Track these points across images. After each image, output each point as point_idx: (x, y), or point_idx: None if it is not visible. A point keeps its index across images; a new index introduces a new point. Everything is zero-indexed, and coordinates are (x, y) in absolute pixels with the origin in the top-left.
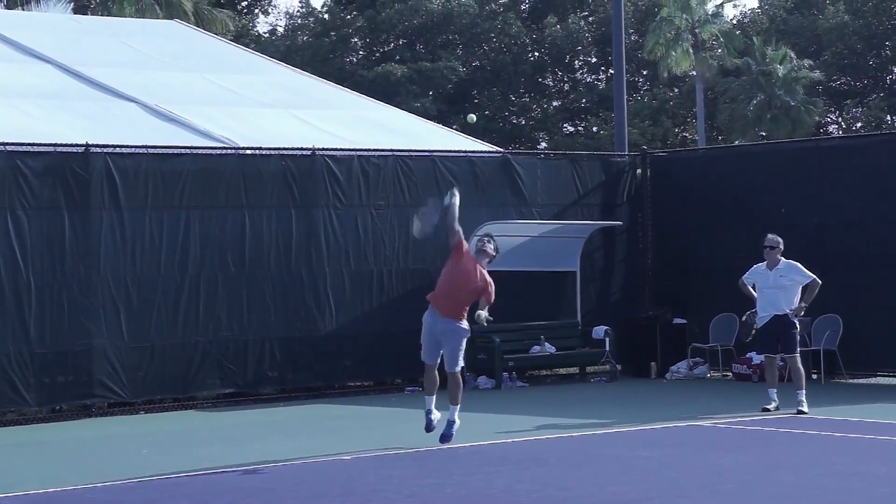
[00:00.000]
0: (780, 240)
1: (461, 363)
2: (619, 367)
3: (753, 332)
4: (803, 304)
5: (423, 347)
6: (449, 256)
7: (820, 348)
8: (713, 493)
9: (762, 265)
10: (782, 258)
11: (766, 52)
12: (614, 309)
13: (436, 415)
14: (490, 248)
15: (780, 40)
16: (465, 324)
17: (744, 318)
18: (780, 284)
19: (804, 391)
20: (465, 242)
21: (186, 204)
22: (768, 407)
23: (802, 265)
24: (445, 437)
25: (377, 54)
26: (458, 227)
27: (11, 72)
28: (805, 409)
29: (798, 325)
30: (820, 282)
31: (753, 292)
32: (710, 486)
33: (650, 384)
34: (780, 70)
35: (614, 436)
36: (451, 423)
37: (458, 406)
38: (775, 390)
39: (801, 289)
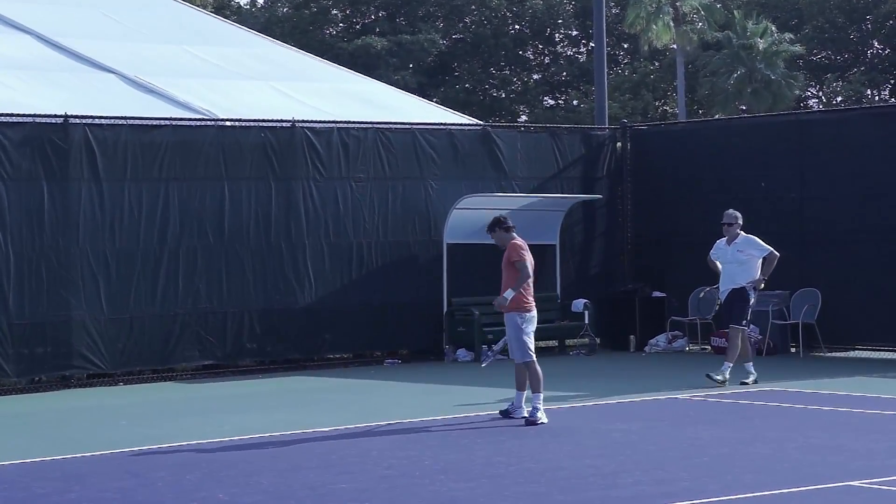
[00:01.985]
0: (738, 214)
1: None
2: (597, 340)
3: (717, 307)
4: (762, 277)
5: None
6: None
7: (798, 322)
8: (690, 466)
9: (723, 240)
10: (742, 232)
11: (746, 25)
12: (594, 282)
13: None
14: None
15: (760, 14)
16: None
17: (701, 295)
18: (737, 259)
19: (731, 365)
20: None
21: (166, 176)
22: (746, 381)
23: (768, 240)
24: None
25: (357, 27)
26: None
27: None
28: (720, 378)
29: (751, 300)
30: (777, 254)
31: (719, 267)
32: (688, 459)
33: (629, 357)
34: (761, 44)
35: (592, 409)
36: (534, 410)
37: (539, 394)
38: (751, 363)
39: (759, 262)
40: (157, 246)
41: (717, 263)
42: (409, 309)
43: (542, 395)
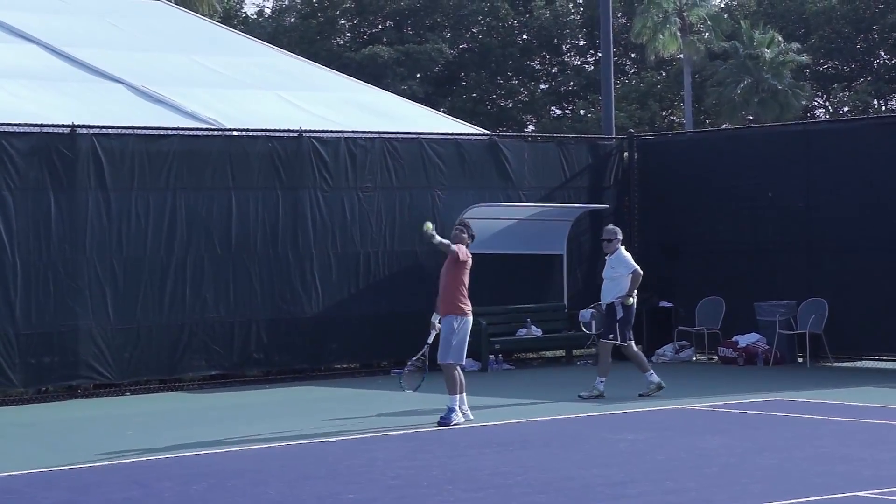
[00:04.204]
0: (618, 230)
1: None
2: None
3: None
4: (627, 294)
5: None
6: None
7: (806, 332)
8: (698, 476)
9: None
10: (620, 248)
11: (753, 35)
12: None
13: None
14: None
15: (767, 24)
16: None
17: (591, 308)
18: (610, 275)
19: (603, 380)
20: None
21: (173, 185)
22: (583, 394)
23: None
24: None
25: (364, 36)
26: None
27: None
28: (586, 395)
29: (619, 315)
30: (641, 273)
31: None
32: (696, 469)
33: (636, 367)
34: (768, 54)
35: (600, 418)
36: (449, 411)
37: (454, 396)
38: (603, 380)
39: (629, 278)
40: (164, 255)
41: None
42: (416, 319)
43: (458, 398)
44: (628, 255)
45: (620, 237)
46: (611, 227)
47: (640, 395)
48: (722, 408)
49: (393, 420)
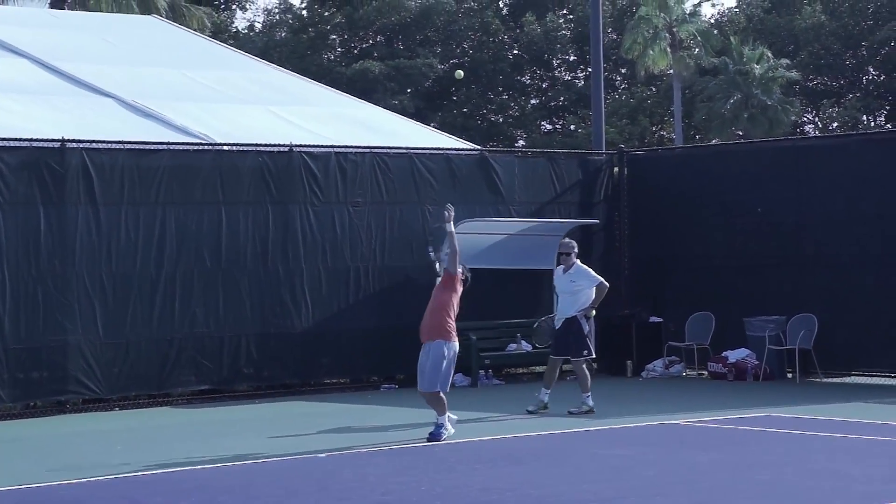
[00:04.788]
0: (574, 244)
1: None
2: (594, 365)
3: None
4: (591, 306)
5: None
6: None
7: (795, 347)
8: (688, 492)
9: (561, 268)
10: (577, 262)
11: (743, 51)
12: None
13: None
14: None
15: (757, 40)
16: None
17: (535, 325)
18: (571, 289)
19: (589, 394)
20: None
21: (163, 200)
22: (531, 409)
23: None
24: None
25: (355, 51)
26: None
27: None
28: (576, 410)
29: (587, 329)
30: (607, 285)
31: None
32: (686, 485)
33: (626, 382)
34: (758, 69)
35: (590, 434)
36: (439, 426)
37: (441, 415)
38: (548, 391)
39: (591, 292)
40: (153, 270)
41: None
42: (406, 334)
43: (447, 416)
44: (588, 268)
45: (577, 250)
46: (568, 240)
47: (569, 413)
48: (712, 423)
49: (383, 435)
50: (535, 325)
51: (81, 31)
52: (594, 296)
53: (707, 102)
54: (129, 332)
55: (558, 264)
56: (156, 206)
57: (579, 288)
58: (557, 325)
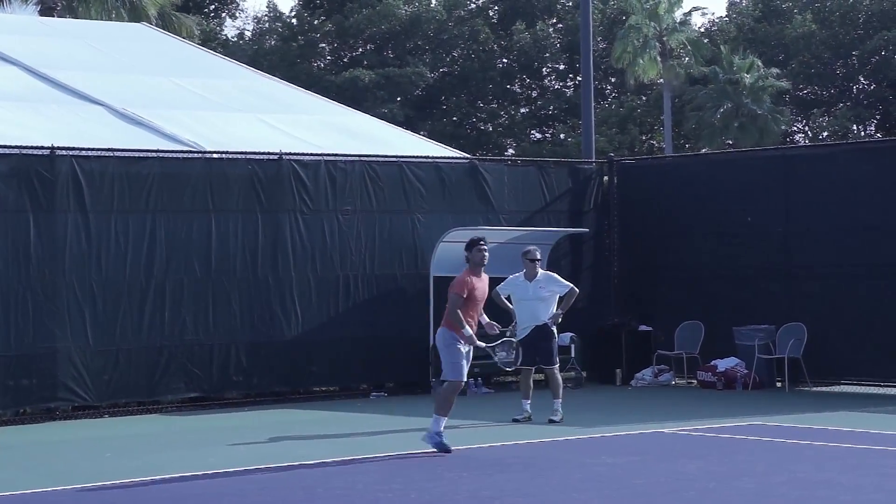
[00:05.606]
0: (539, 250)
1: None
2: (584, 374)
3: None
4: (560, 312)
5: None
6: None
7: (784, 356)
8: (676, 500)
9: (520, 276)
10: (541, 269)
11: (733, 60)
12: (580, 316)
13: None
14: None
15: (747, 49)
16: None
17: (507, 332)
18: (539, 296)
19: (560, 400)
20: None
21: (152, 208)
22: (518, 418)
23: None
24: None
25: (345, 59)
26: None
27: None
28: (558, 418)
29: (556, 335)
30: (577, 290)
31: (509, 304)
32: (674, 494)
33: (615, 391)
34: (748, 79)
35: (578, 442)
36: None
37: (437, 415)
38: (528, 402)
39: (558, 298)
40: (143, 278)
41: (505, 300)
42: (396, 342)
43: (444, 419)
44: (557, 275)
45: (540, 257)
46: (533, 247)
47: (550, 421)
48: (701, 432)
49: (372, 444)
50: (496, 332)
51: (71, 38)
52: (564, 302)
53: (697, 111)
54: (119, 340)
55: (528, 271)
56: (145, 213)
57: (549, 294)
58: (522, 334)
